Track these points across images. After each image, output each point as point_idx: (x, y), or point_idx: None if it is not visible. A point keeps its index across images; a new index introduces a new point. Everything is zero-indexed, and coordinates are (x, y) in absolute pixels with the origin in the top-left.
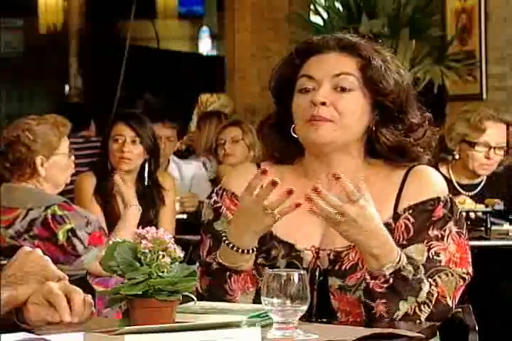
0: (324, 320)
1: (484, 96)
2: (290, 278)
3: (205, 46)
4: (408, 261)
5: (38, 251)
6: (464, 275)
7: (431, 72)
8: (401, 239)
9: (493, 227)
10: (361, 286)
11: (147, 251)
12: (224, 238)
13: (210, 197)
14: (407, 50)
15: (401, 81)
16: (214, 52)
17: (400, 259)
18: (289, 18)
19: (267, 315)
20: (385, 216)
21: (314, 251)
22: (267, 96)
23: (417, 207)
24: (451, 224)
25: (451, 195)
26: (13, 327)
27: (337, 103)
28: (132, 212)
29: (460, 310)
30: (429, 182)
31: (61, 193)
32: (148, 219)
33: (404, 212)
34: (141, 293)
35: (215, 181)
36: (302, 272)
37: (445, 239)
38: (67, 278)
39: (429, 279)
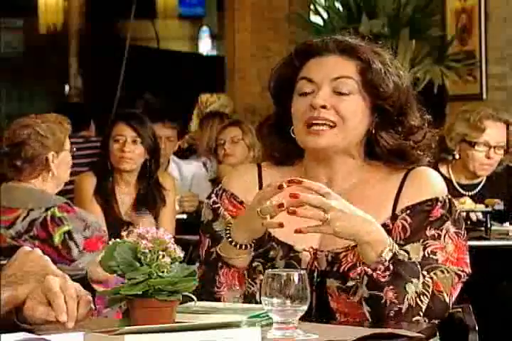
0: (324, 320)
1: (484, 96)
2: (290, 278)
3: (205, 46)
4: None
5: (38, 250)
6: (460, 273)
7: (431, 72)
8: (398, 239)
9: (493, 227)
10: (361, 286)
11: (147, 251)
12: (227, 230)
13: (209, 197)
14: (407, 50)
15: (401, 83)
16: (214, 52)
17: (392, 243)
18: (289, 18)
19: (267, 315)
20: (384, 217)
21: (312, 252)
22: (267, 96)
23: (414, 208)
24: (448, 224)
25: (450, 196)
26: (13, 327)
27: (337, 106)
28: None
29: (460, 310)
30: (428, 182)
31: (61, 193)
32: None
33: (402, 213)
34: (141, 293)
35: (215, 181)
36: (302, 272)
37: (442, 238)
38: (67, 277)
39: (425, 274)
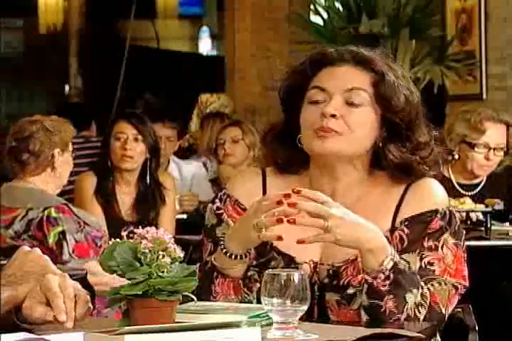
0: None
1: (484, 96)
2: (290, 278)
3: (205, 46)
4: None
5: (38, 250)
6: (457, 285)
7: (431, 72)
8: (395, 251)
9: (493, 227)
10: (357, 296)
11: (147, 251)
12: (221, 241)
13: (213, 202)
14: (407, 50)
15: (411, 98)
16: (214, 52)
17: (394, 252)
18: (289, 18)
19: (267, 315)
20: (383, 229)
21: (312, 265)
22: (267, 96)
23: (413, 219)
24: (447, 235)
25: (451, 208)
26: (13, 327)
27: (347, 117)
28: None
29: (460, 310)
30: (429, 194)
31: (61, 193)
32: (149, 219)
33: (400, 225)
34: (141, 293)
35: (215, 181)
36: (302, 272)
37: (439, 249)
38: (67, 276)
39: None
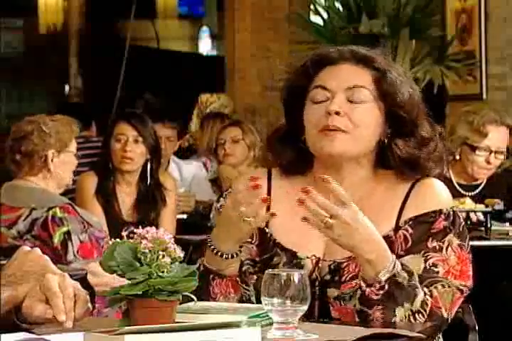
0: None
1: (484, 96)
2: (290, 278)
3: (205, 46)
4: (402, 267)
5: (38, 250)
6: (462, 287)
7: (431, 72)
8: (399, 250)
9: (493, 227)
10: (356, 294)
11: (147, 251)
12: (209, 243)
13: (218, 200)
14: (407, 50)
15: (414, 95)
16: (214, 52)
17: (394, 265)
18: (289, 18)
19: (267, 315)
20: (387, 228)
21: (315, 260)
22: (267, 96)
23: (417, 219)
24: (451, 236)
25: (455, 208)
26: (13, 327)
27: (351, 114)
28: None
29: (460, 310)
30: (433, 194)
31: (62, 193)
32: (150, 219)
33: (404, 224)
34: (141, 293)
35: (215, 181)
36: (302, 272)
37: (444, 250)
38: (66, 276)
39: (425, 289)
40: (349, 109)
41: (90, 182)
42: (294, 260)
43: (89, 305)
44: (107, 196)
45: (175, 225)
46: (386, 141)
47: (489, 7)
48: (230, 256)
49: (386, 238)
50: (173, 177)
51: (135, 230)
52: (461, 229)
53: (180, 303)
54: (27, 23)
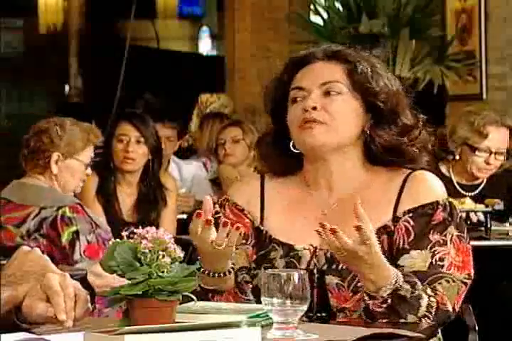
0: (324, 314)
1: (484, 96)
2: (290, 278)
3: (205, 46)
4: (405, 279)
5: (37, 250)
6: (466, 280)
7: (431, 72)
8: (402, 243)
9: (493, 227)
10: (360, 307)
11: (147, 251)
12: (200, 267)
13: (213, 207)
14: (407, 50)
15: (390, 85)
16: (214, 52)
17: (396, 280)
18: (289, 18)
19: (267, 315)
20: (384, 219)
21: (312, 250)
22: None
23: (416, 210)
24: (451, 228)
25: (450, 199)
26: (13, 327)
27: (328, 106)
28: None
29: (460, 310)
30: (428, 186)
31: None
32: (150, 219)
33: (403, 215)
34: (141, 293)
35: (215, 181)
36: (302, 272)
37: (448, 243)
38: (67, 275)
39: (429, 287)
40: (325, 103)
41: (91, 182)
42: (291, 252)
43: (90, 305)
44: (107, 196)
45: (175, 225)
46: (368, 131)
47: (489, 7)
48: (223, 275)
49: (384, 228)
50: (174, 177)
51: (135, 230)
52: (458, 221)
53: (180, 303)
54: (27, 23)
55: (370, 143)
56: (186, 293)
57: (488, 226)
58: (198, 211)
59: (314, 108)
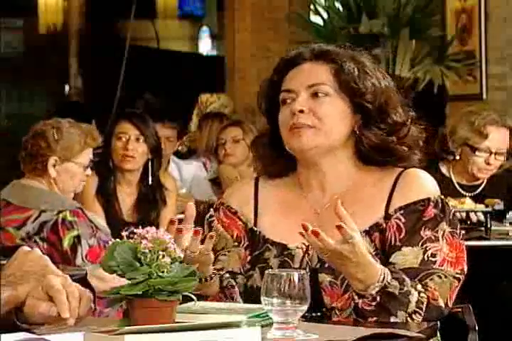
0: (318, 314)
1: (484, 96)
2: (290, 278)
3: (205, 46)
4: (393, 276)
5: (37, 250)
6: (458, 276)
7: (431, 72)
8: (393, 240)
9: (493, 227)
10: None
11: (147, 251)
12: None
13: (208, 211)
14: (407, 50)
15: (378, 83)
16: (214, 52)
17: (384, 277)
18: (289, 18)
19: (267, 315)
20: (376, 217)
21: (305, 248)
22: None
23: (407, 207)
24: (443, 224)
25: (442, 196)
26: (13, 327)
27: (315, 109)
28: None
29: (460, 310)
30: (419, 183)
31: None
32: (150, 219)
33: (395, 213)
34: (141, 293)
35: (215, 181)
36: (302, 272)
37: (440, 239)
38: (67, 277)
39: (420, 283)
40: (313, 105)
41: (91, 182)
42: (284, 252)
43: (92, 304)
44: (107, 196)
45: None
46: (357, 131)
47: (489, 7)
48: (204, 280)
49: (376, 226)
50: (174, 177)
51: (135, 230)
52: (451, 217)
53: (180, 303)
54: (27, 23)
55: (359, 143)
56: (186, 293)
57: (488, 226)
58: (171, 218)
59: (301, 111)
